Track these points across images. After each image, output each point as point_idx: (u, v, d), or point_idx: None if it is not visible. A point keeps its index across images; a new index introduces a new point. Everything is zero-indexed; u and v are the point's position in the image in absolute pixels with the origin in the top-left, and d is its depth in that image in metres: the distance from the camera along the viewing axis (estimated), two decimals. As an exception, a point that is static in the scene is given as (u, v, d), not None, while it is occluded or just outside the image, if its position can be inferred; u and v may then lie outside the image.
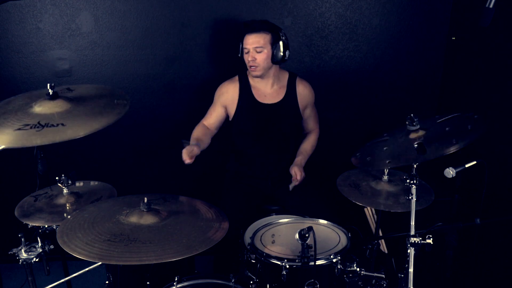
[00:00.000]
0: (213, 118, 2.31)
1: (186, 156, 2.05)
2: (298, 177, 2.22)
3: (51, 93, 1.61)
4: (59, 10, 2.46)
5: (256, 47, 2.13)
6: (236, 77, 2.32)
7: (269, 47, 2.14)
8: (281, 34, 2.16)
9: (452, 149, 1.55)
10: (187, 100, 2.69)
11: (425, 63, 2.73)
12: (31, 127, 1.46)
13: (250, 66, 2.19)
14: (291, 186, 2.22)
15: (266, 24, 2.16)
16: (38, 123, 1.48)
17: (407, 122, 1.76)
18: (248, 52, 2.17)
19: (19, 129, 1.46)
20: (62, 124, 1.50)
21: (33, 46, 2.50)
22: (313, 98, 2.37)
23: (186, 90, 2.66)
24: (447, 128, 1.72)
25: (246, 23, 2.18)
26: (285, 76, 2.32)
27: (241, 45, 2.20)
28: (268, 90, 2.30)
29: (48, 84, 1.69)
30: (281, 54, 2.16)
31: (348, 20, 2.61)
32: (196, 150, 2.08)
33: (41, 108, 1.54)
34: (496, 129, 2.16)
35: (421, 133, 1.74)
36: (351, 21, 2.62)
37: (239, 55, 2.22)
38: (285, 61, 2.20)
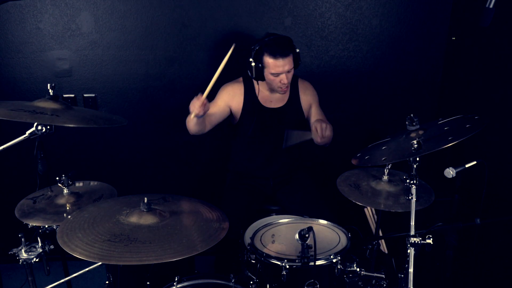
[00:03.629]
0: (211, 113, 2.19)
1: (197, 105, 1.94)
2: (320, 131, 2.00)
3: (51, 93, 1.65)
4: (59, 10, 2.46)
5: (288, 70, 2.10)
6: (241, 79, 2.31)
7: (293, 64, 2.13)
8: (295, 46, 2.14)
9: (447, 145, 1.55)
10: (187, 100, 2.68)
11: (425, 63, 2.73)
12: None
13: (282, 88, 2.15)
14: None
15: (289, 44, 2.11)
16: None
17: (407, 122, 1.76)
18: (277, 75, 2.10)
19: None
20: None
21: (33, 46, 2.50)
22: (316, 97, 2.36)
23: (186, 90, 2.66)
24: (446, 128, 1.73)
25: (270, 48, 2.06)
26: None
27: (260, 66, 2.10)
28: (273, 95, 2.29)
29: (49, 84, 1.70)
30: (299, 65, 2.17)
31: (348, 20, 2.61)
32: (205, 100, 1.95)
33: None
34: (496, 129, 2.16)
35: (420, 132, 1.74)
36: (351, 21, 2.62)
37: (253, 76, 2.14)
38: None
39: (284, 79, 2.11)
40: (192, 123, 2.09)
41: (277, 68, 2.08)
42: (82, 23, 2.49)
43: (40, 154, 1.74)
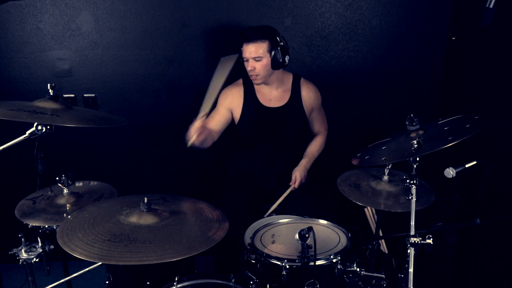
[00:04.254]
0: (215, 121, 2.27)
1: (194, 130, 1.97)
2: (296, 184, 2.22)
3: (51, 93, 1.66)
4: (59, 10, 2.46)
5: (255, 57, 2.10)
6: (240, 81, 2.32)
7: (267, 55, 2.11)
8: (279, 39, 2.13)
9: (447, 145, 1.55)
10: (187, 100, 2.69)
11: (425, 63, 2.73)
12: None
13: (251, 75, 2.17)
14: (285, 195, 2.19)
15: (263, 31, 2.11)
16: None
17: (407, 122, 1.76)
18: (247, 61, 2.14)
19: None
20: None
21: (33, 46, 2.50)
22: (320, 100, 2.37)
23: (186, 90, 2.66)
24: (446, 128, 1.73)
25: (242, 33, 2.14)
26: (289, 78, 2.31)
27: (242, 54, 2.17)
28: (273, 94, 2.29)
29: (49, 84, 1.70)
30: (280, 60, 2.13)
31: (348, 20, 2.61)
32: (201, 127, 1.98)
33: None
34: (496, 129, 2.16)
35: (420, 132, 1.74)
36: (351, 21, 2.62)
37: (241, 60, 2.19)
38: (286, 66, 2.19)
39: (249, 65, 2.14)
40: (196, 146, 2.07)
41: (245, 52, 2.12)
42: (82, 23, 2.49)
43: (40, 154, 1.74)
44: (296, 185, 2.23)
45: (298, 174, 2.24)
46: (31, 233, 1.78)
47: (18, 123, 1.49)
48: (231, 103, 2.28)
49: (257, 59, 2.11)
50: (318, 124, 2.43)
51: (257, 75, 2.16)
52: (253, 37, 2.09)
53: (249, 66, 2.14)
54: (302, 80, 2.33)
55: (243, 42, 2.13)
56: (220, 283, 1.61)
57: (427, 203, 1.88)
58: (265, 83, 2.23)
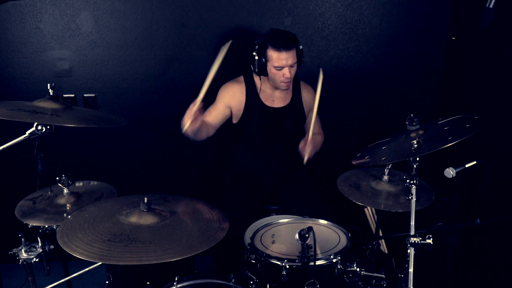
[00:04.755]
0: (212, 117, 2.23)
1: (189, 115, 1.88)
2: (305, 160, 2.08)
3: (51, 93, 1.66)
4: (59, 10, 2.46)
5: (291, 64, 2.09)
6: (241, 78, 2.29)
7: (296, 59, 2.12)
8: (298, 42, 2.13)
9: (447, 145, 1.56)
10: (187, 100, 2.67)
11: (425, 63, 2.73)
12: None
13: (284, 82, 2.14)
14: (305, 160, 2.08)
15: (292, 37, 2.10)
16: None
17: (407, 122, 1.77)
18: (280, 69, 2.10)
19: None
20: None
21: (33, 46, 2.50)
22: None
23: (186, 90, 2.66)
24: (446, 128, 1.73)
25: (274, 41, 2.06)
26: None
27: (263, 60, 2.10)
28: (276, 94, 2.28)
29: (49, 84, 1.70)
30: (302, 60, 2.16)
31: (348, 20, 2.61)
32: (197, 111, 1.89)
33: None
34: (496, 129, 2.16)
35: (420, 132, 1.74)
36: (351, 21, 2.62)
37: (255, 70, 2.14)
38: None
39: (287, 73, 2.10)
40: (190, 134, 1.99)
41: (281, 61, 2.07)
42: (82, 23, 2.49)
43: (40, 154, 1.74)
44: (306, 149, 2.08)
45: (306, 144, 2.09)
46: (31, 233, 1.78)
47: (18, 123, 1.49)
48: (231, 100, 2.26)
49: (292, 65, 2.11)
50: (317, 126, 2.42)
51: (290, 82, 2.16)
52: (292, 45, 2.07)
53: (287, 73, 2.10)
54: (301, 82, 2.34)
55: (275, 48, 2.06)
56: (220, 283, 1.61)
57: (427, 203, 1.88)
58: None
